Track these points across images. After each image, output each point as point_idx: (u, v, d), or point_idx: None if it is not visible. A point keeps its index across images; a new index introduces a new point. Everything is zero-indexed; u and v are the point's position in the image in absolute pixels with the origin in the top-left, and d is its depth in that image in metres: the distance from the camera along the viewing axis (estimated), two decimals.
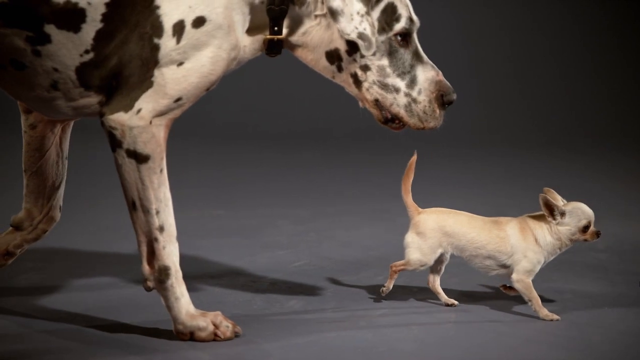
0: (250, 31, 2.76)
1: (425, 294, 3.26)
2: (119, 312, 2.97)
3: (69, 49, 2.62)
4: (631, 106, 7.51)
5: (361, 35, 2.73)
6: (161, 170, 2.66)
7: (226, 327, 2.73)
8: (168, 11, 2.62)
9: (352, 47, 2.77)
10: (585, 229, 3.02)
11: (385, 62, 2.79)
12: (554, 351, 2.75)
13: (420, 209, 3.14)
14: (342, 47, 2.79)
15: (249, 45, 2.77)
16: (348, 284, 3.38)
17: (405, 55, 2.81)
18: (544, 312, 2.98)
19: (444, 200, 4.82)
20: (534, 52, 7.81)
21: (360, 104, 2.89)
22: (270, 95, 7.22)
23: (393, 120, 2.86)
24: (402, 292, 3.28)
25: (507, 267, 3.05)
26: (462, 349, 2.74)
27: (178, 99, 2.64)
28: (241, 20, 2.72)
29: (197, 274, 3.39)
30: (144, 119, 2.62)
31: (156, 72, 2.62)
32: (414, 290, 3.31)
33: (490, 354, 2.72)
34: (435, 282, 3.14)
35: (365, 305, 3.14)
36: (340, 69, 2.82)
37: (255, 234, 4.16)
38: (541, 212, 3.05)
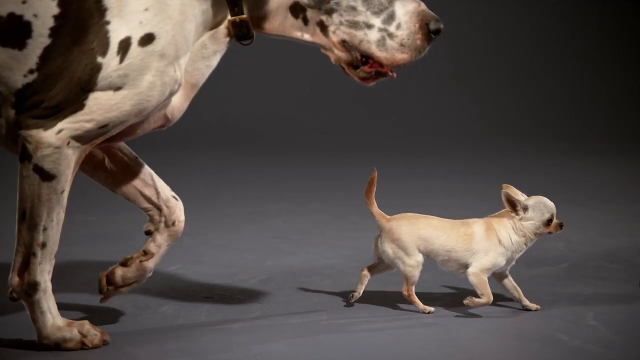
0: (214, 26, 2.67)
1: (300, 295, 3.27)
2: None
3: (12, 69, 2.50)
4: (631, 106, 7.67)
5: None
6: (62, 192, 2.58)
7: (94, 335, 2.68)
8: (117, 27, 2.52)
9: None
10: (548, 222, 3.04)
11: (358, 2, 2.69)
12: (408, 349, 2.79)
13: (388, 217, 3.10)
14: None
15: (209, 40, 2.66)
16: (222, 288, 3.36)
17: None
18: (478, 304, 3.01)
19: (440, 199, 4.89)
20: (534, 53, 7.92)
21: (332, 58, 2.77)
22: None
23: (366, 62, 2.74)
24: (277, 295, 3.28)
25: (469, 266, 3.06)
26: (334, 349, 2.76)
27: (104, 126, 2.55)
28: (194, 26, 2.62)
29: (66, 282, 3.31)
30: (61, 139, 2.52)
31: (90, 96, 2.52)
32: (287, 292, 3.31)
33: (365, 352, 2.74)
34: (366, 273, 3.11)
35: (239, 308, 3.12)
36: (306, 21, 2.71)
37: (127, 239, 4.08)
38: (503, 211, 3.07)
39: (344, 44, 2.72)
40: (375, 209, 3.11)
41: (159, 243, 2.92)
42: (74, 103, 2.52)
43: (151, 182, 2.90)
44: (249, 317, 3.03)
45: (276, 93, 7.44)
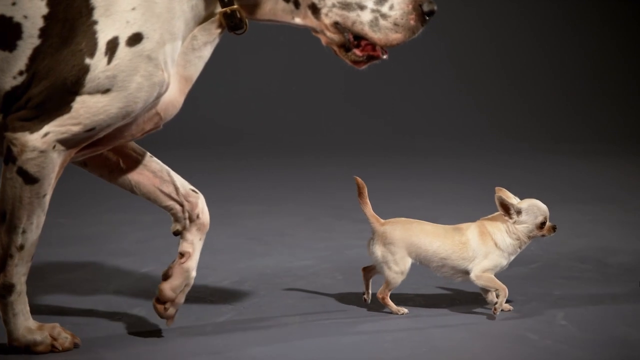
0: (205, 19, 2.65)
1: (273, 297, 3.26)
2: None
3: (3, 71, 2.48)
4: (632, 106, 7.70)
5: None
6: (44, 196, 2.56)
7: (65, 338, 2.67)
8: (105, 27, 2.50)
9: None
10: (542, 225, 3.06)
11: None
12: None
13: (382, 220, 3.09)
14: None
15: (200, 31, 2.64)
16: (195, 289, 3.33)
17: None
18: (502, 300, 3.01)
19: (438, 200, 4.91)
20: (534, 53, 7.93)
21: (323, 41, 2.74)
22: None
23: (358, 44, 2.70)
24: (250, 296, 3.28)
25: (469, 273, 3.06)
26: (307, 351, 2.76)
27: (91, 129, 2.53)
28: (183, 23, 2.59)
29: (38, 284, 3.29)
30: (47, 143, 2.50)
31: (78, 99, 2.49)
32: (260, 294, 3.30)
33: (338, 354, 2.74)
34: (366, 273, 3.12)
35: (212, 310, 3.11)
36: (297, 5, 2.68)
37: (99, 241, 4.07)
38: (496, 214, 3.08)
39: (336, 26, 2.69)
40: (369, 210, 3.10)
41: (191, 240, 2.90)
42: (61, 105, 2.50)
43: (168, 179, 2.88)
44: (221, 319, 3.03)
45: (257, 93, 7.42)
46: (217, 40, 2.70)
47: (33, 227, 2.59)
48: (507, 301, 3.09)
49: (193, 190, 2.91)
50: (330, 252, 3.92)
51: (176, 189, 2.88)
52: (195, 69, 2.69)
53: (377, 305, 3.11)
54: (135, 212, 4.63)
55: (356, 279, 3.45)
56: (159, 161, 2.89)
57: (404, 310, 3.06)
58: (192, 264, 2.88)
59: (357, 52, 2.71)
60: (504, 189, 3.10)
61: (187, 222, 2.89)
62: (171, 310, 2.86)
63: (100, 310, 3.08)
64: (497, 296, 3.04)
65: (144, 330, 2.89)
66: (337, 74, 7.32)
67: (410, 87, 7.52)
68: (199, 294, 3.29)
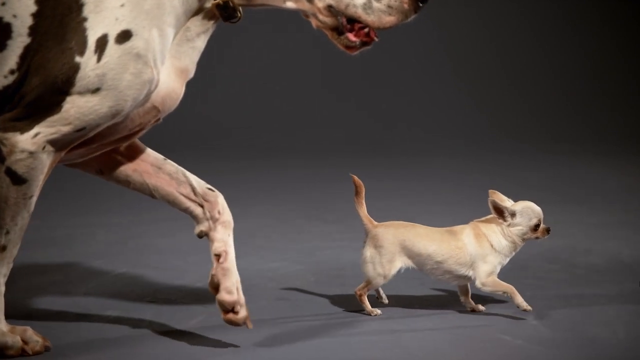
0: (197, 12, 2.64)
1: (244, 298, 3.26)
2: None
3: None
4: (633, 107, 7.74)
5: None
6: (31, 197, 2.55)
7: (35, 342, 2.66)
8: (94, 24, 2.48)
9: None
10: (536, 227, 3.06)
11: None
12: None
13: (375, 222, 3.07)
14: None
15: (192, 22, 2.63)
16: (166, 292, 3.34)
17: None
18: (519, 299, 3.02)
19: (436, 201, 4.90)
20: (534, 53, 7.94)
21: (314, 24, 2.73)
22: None
23: (351, 29, 2.69)
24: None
25: (468, 278, 3.06)
26: (277, 353, 2.76)
27: (81, 129, 2.51)
28: (174, 18, 2.58)
29: (8, 286, 3.24)
30: (37, 144, 2.49)
31: (68, 99, 2.48)
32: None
33: (309, 355, 2.75)
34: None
35: (183, 312, 3.11)
36: None
37: (69, 244, 4.05)
38: (490, 216, 3.08)
39: (329, 9, 2.69)
40: (363, 212, 3.09)
41: (220, 238, 2.85)
42: (51, 105, 2.49)
43: (184, 179, 2.86)
44: (193, 321, 3.02)
45: (245, 93, 7.39)
46: (211, 31, 2.70)
47: (17, 229, 2.57)
48: (480, 302, 3.11)
49: (210, 189, 2.89)
50: (301, 254, 3.92)
51: (193, 189, 2.86)
52: (190, 60, 2.69)
53: (349, 307, 3.12)
54: (107, 214, 4.62)
55: (328, 281, 3.46)
56: (173, 163, 2.88)
57: (377, 311, 3.06)
58: (231, 262, 2.83)
59: (350, 36, 2.71)
60: (497, 192, 3.10)
61: (211, 222, 2.86)
62: (242, 312, 2.81)
63: (71, 313, 3.07)
64: (511, 298, 3.05)
65: (116, 333, 2.88)
66: (334, 75, 7.31)
67: (410, 86, 7.51)
68: (171, 297, 3.28)
